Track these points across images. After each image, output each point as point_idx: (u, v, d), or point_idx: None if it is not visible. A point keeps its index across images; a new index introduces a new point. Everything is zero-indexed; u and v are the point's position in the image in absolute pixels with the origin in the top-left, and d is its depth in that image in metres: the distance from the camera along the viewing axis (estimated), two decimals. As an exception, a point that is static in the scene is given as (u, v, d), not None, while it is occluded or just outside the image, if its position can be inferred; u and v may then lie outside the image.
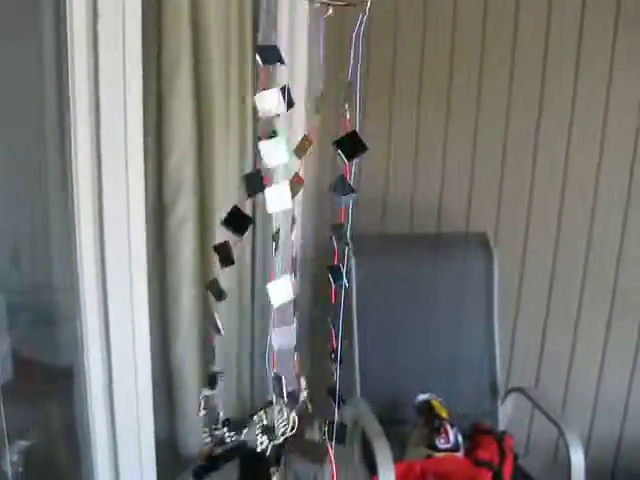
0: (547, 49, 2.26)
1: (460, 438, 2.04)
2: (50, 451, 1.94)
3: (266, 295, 0.90)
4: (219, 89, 2.09)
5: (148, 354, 1.87)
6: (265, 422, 0.96)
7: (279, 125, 0.87)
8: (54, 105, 1.63)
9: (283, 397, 0.90)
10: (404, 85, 2.50)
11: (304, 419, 0.97)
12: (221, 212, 2.15)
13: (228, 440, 0.95)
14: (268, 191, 0.85)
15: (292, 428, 0.97)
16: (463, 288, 2.37)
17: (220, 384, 0.92)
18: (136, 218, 1.73)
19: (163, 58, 1.93)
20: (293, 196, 0.87)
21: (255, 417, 0.96)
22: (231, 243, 0.87)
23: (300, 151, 0.86)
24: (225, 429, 0.95)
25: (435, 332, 2.35)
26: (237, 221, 0.86)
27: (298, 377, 0.98)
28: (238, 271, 2.45)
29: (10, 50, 1.68)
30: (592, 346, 2.36)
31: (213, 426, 0.93)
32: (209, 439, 0.91)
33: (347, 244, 0.86)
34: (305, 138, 0.85)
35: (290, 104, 0.83)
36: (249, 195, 0.85)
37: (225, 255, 0.87)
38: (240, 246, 2.09)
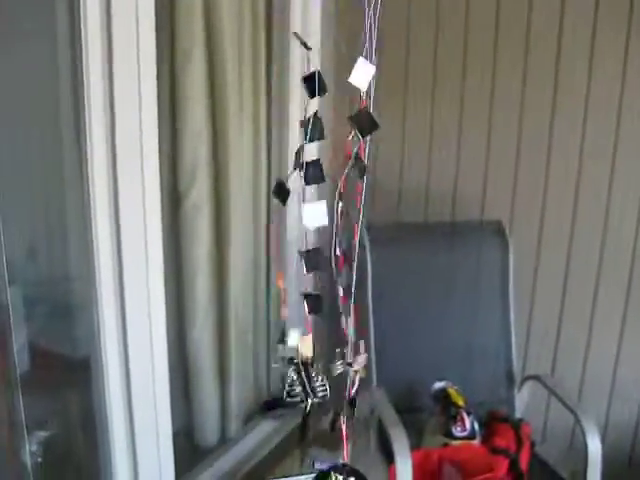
0: (561, 39, 2.24)
1: (477, 426, 2.04)
2: (68, 442, 1.95)
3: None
4: (233, 73, 2.09)
5: (164, 343, 1.87)
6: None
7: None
8: (70, 100, 1.63)
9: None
10: (417, 82, 2.49)
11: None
12: (236, 198, 2.17)
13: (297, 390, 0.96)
14: (306, 207, 0.86)
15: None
16: (478, 276, 2.36)
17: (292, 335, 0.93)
18: (151, 207, 1.73)
19: (177, 43, 1.93)
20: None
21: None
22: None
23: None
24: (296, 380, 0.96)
25: (451, 320, 2.35)
26: (281, 193, 0.90)
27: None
28: (253, 259, 2.45)
29: (27, 49, 1.70)
30: (608, 333, 2.35)
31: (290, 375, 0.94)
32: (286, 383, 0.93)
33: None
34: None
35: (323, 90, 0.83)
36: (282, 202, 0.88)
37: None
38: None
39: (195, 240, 2.13)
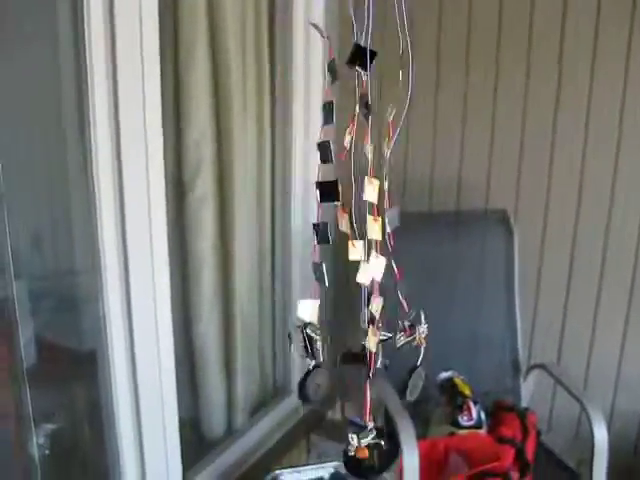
0: (564, 34, 2.24)
1: (483, 415, 2.04)
2: (75, 434, 1.96)
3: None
4: (236, 69, 2.09)
5: (170, 336, 1.88)
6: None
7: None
8: (74, 92, 1.63)
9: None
10: (421, 74, 2.48)
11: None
12: (241, 191, 2.17)
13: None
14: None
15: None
16: (484, 265, 2.36)
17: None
18: (156, 199, 1.74)
19: (180, 35, 1.93)
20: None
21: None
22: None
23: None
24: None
25: (456, 310, 2.34)
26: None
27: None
28: (258, 252, 2.46)
29: (34, 45, 1.70)
30: (613, 322, 2.35)
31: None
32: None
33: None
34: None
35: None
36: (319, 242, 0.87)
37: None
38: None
39: (200, 233, 2.14)
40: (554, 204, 2.37)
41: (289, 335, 0.94)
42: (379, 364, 0.95)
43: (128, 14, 1.55)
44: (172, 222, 1.92)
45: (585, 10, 2.18)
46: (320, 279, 0.91)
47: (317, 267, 0.91)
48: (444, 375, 2.14)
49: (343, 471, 2.08)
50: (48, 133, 1.80)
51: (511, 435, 1.99)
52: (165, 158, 1.76)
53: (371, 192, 0.83)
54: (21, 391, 1.56)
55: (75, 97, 1.62)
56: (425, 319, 1.05)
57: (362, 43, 0.79)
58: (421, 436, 1.91)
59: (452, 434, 2.00)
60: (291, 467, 2.10)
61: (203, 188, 2.09)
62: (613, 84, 2.19)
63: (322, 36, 0.87)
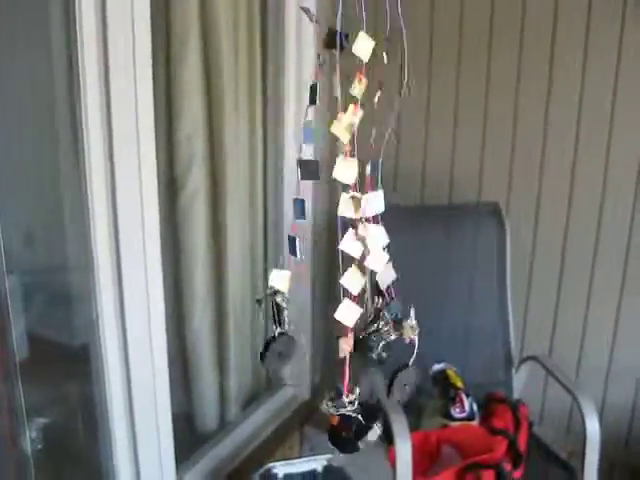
0: (556, 25, 2.24)
1: (475, 407, 2.05)
2: (68, 429, 1.96)
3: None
4: (228, 59, 2.08)
5: (163, 330, 1.88)
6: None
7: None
8: (66, 88, 1.62)
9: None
10: (413, 67, 2.48)
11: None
12: (233, 187, 2.17)
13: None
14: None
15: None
16: (476, 258, 2.37)
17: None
18: (149, 195, 1.73)
19: (172, 29, 1.93)
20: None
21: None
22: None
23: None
24: None
25: (448, 302, 2.35)
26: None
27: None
28: (251, 249, 2.45)
29: (26, 46, 1.69)
30: (605, 314, 2.36)
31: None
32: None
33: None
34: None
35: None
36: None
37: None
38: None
39: (192, 230, 2.13)
40: (546, 197, 2.38)
41: (258, 301, 0.94)
42: (374, 355, 0.94)
43: (120, 14, 1.54)
44: (164, 219, 1.92)
45: (577, 4, 2.19)
46: (292, 252, 0.91)
47: (292, 240, 0.91)
48: (437, 367, 2.15)
49: (336, 464, 2.09)
50: (41, 132, 1.79)
51: (503, 427, 2.00)
52: (157, 154, 1.76)
53: (342, 170, 0.82)
54: (13, 385, 1.55)
55: (67, 96, 1.61)
56: (415, 315, 1.01)
57: (342, 28, 0.79)
58: (414, 428, 1.91)
59: (445, 426, 2.01)
60: (284, 460, 2.11)
61: (195, 184, 2.09)
62: (605, 79, 2.19)
63: (311, 20, 0.86)
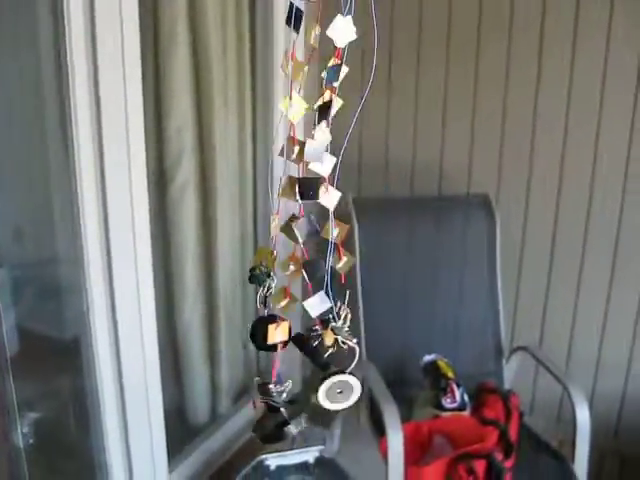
0: (545, 16, 2.24)
1: (466, 397, 2.06)
2: (60, 423, 1.95)
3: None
4: (217, 51, 2.08)
5: (154, 323, 1.88)
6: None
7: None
8: (55, 82, 1.62)
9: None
10: (402, 57, 2.49)
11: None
12: (223, 181, 2.16)
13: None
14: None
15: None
16: (466, 249, 2.37)
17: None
18: (139, 189, 1.73)
19: (161, 24, 1.92)
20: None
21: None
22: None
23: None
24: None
25: (439, 293, 2.36)
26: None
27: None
28: (241, 243, 2.45)
29: (14, 36, 1.69)
30: (595, 304, 2.37)
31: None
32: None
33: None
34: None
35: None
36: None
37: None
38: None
39: (182, 222, 2.13)
40: (535, 188, 2.38)
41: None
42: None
43: (109, 10, 1.54)
44: (154, 212, 1.91)
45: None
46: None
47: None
48: (428, 358, 2.16)
49: (328, 455, 2.10)
50: (31, 129, 1.79)
51: (494, 417, 2.01)
52: (147, 147, 1.75)
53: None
54: (4, 379, 1.55)
55: (57, 93, 1.60)
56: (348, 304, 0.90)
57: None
58: (405, 419, 1.92)
59: (436, 417, 2.02)
60: (276, 452, 2.11)
61: (185, 177, 2.09)
62: (594, 69, 2.20)
63: None
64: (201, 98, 2.09)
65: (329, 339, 0.87)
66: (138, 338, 1.82)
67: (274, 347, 0.87)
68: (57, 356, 1.89)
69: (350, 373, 0.86)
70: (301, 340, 0.90)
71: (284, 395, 0.93)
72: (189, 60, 2.02)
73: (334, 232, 0.85)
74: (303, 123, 0.84)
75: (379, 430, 1.91)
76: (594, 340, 2.39)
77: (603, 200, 2.27)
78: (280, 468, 2.09)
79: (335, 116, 0.80)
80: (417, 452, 1.93)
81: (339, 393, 0.88)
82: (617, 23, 2.13)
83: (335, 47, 0.77)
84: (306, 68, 0.81)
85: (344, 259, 0.88)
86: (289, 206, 0.84)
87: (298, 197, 0.80)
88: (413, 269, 2.34)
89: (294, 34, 0.81)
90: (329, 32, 0.76)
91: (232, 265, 2.39)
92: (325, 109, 0.80)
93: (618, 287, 2.31)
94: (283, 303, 0.89)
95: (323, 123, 0.79)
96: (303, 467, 2.11)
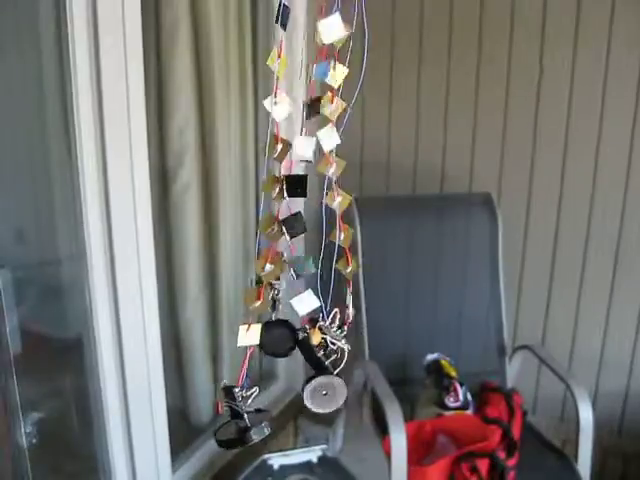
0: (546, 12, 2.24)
1: (469, 396, 2.06)
2: (63, 423, 1.95)
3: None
4: (219, 50, 2.08)
5: (157, 322, 1.87)
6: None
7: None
8: (57, 82, 1.62)
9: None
10: (403, 58, 2.49)
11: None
12: (225, 179, 2.16)
13: None
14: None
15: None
16: (468, 248, 2.37)
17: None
18: (141, 186, 1.72)
19: (162, 20, 1.92)
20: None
21: None
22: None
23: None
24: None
25: (442, 292, 2.36)
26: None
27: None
28: (243, 240, 2.45)
29: (17, 33, 1.69)
30: (597, 302, 2.37)
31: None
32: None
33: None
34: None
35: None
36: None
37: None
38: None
39: (185, 220, 2.13)
40: (538, 187, 2.38)
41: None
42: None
43: (111, 8, 1.54)
44: (157, 209, 1.91)
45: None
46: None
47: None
48: (430, 357, 2.16)
49: (331, 454, 2.10)
50: (32, 124, 1.79)
51: (497, 416, 2.01)
52: (149, 146, 1.75)
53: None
54: (7, 379, 1.55)
55: (59, 92, 1.60)
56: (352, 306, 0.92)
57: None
58: (408, 418, 1.93)
59: (439, 415, 2.02)
60: (280, 451, 2.11)
61: (187, 176, 2.08)
62: (595, 68, 2.20)
63: None
64: (203, 98, 2.09)
65: (316, 338, 0.87)
66: (141, 338, 1.82)
67: (286, 353, 0.87)
68: (60, 356, 1.90)
69: (337, 375, 0.86)
70: (301, 341, 0.89)
71: (249, 401, 0.92)
72: (191, 59, 2.02)
73: (341, 236, 0.85)
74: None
75: (382, 429, 1.91)
76: (597, 338, 2.39)
77: (606, 198, 2.27)
78: (283, 467, 2.09)
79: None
80: (420, 451, 1.93)
81: (324, 395, 0.87)
82: (618, 20, 2.13)
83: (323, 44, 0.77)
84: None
85: (352, 264, 0.87)
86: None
87: (285, 194, 0.80)
88: (415, 268, 2.34)
89: (281, 31, 0.81)
90: (319, 26, 0.76)
91: (235, 264, 2.39)
92: (316, 104, 0.80)
93: (621, 285, 2.31)
94: (269, 267, 0.89)
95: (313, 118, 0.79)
96: (306, 466, 2.11)
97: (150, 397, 1.89)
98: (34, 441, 1.70)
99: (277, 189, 0.80)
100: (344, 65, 0.78)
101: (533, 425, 2.15)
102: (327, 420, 2.39)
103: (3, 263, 1.60)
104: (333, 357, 0.89)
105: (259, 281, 0.88)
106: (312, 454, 2.13)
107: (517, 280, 2.47)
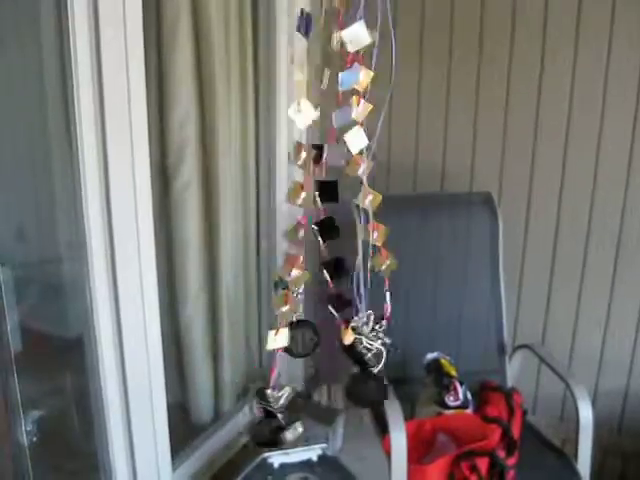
0: (547, 13, 2.24)
1: (469, 395, 2.06)
2: (64, 421, 1.96)
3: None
4: (219, 43, 2.08)
5: (158, 321, 1.87)
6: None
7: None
8: (57, 79, 1.62)
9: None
10: (405, 58, 2.49)
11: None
12: (226, 176, 2.16)
13: None
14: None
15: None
16: (468, 247, 2.37)
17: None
18: (142, 183, 1.72)
19: (163, 13, 1.92)
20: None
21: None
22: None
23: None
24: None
25: (442, 291, 2.36)
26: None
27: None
28: (244, 238, 2.45)
29: (17, 27, 1.69)
30: (598, 301, 2.37)
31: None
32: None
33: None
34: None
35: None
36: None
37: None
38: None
39: (185, 218, 2.13)
40: (538, 186, 2.38)
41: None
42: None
43: (112, 6, 1.54)
44: (157, 207, 1.91)
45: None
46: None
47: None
48: (430, 356, 2.15)
49: (330, 453, 2.10)
50: (32, 121, 1.79)
51: (497, 415, 2.01)
52: (150, 143, 1.75)
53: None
54: (8, 378, 1.55)
55: (59, 88, 1.60)
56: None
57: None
58: (408, 417, 1.93)
59: (439, 414, 2.02)
60: (280, 449, 2.11)
61: (188, 172, 2.09)
62: (596, 67, 2.20)
63: None
64: (204, 91, 2.09)
65: (348, 338, 0.89)
66: (142, 336, 1.82)
67: (309, 353, 0.89)
68: (60, 354, 1.90)
69: (375, 375, 0.89)
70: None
71: (282, 401, 0.94)
72: (191, 52, 2.02)
73: (374, 234, 0.87)
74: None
75: (382, 428, 1.91)
76: (597, 337, 2.39)
77: (606, 196, 2.27)
78: (283, 466, 2.09)
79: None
80: (420, 450, 1.93)
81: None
82: (619, 19, 2.13)
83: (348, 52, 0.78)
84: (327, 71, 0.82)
85: (387, 262, 0.89)
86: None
87: (318, 200, 0.81)
88: (416, 267, 2.33)
89: (304, 40, 0.81)
90: (344, 35, 0.76)
91: (235, 262, 2.39)
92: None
93: (621, 284, 2.31)
94: (296, 272, 0.90)
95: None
96: (306, 465, 2.11)
97: (150, 395, 1.89)
98: (35, 439, 1.70)
99: (302, 196, 0.82)
100: (370, 70, 0.79)
101: (533, 424, 2.15)
102: (327, 419, 2.40)
103: (4, 261, 1.60)
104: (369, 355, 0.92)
105: (284, 286, 0.89)
106: (312, 453, 2.13)
107: (517, 279, 2.48)
